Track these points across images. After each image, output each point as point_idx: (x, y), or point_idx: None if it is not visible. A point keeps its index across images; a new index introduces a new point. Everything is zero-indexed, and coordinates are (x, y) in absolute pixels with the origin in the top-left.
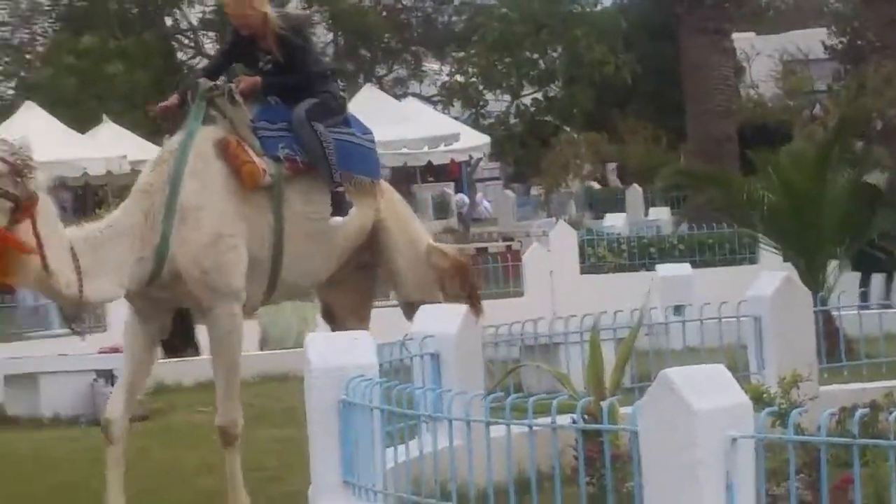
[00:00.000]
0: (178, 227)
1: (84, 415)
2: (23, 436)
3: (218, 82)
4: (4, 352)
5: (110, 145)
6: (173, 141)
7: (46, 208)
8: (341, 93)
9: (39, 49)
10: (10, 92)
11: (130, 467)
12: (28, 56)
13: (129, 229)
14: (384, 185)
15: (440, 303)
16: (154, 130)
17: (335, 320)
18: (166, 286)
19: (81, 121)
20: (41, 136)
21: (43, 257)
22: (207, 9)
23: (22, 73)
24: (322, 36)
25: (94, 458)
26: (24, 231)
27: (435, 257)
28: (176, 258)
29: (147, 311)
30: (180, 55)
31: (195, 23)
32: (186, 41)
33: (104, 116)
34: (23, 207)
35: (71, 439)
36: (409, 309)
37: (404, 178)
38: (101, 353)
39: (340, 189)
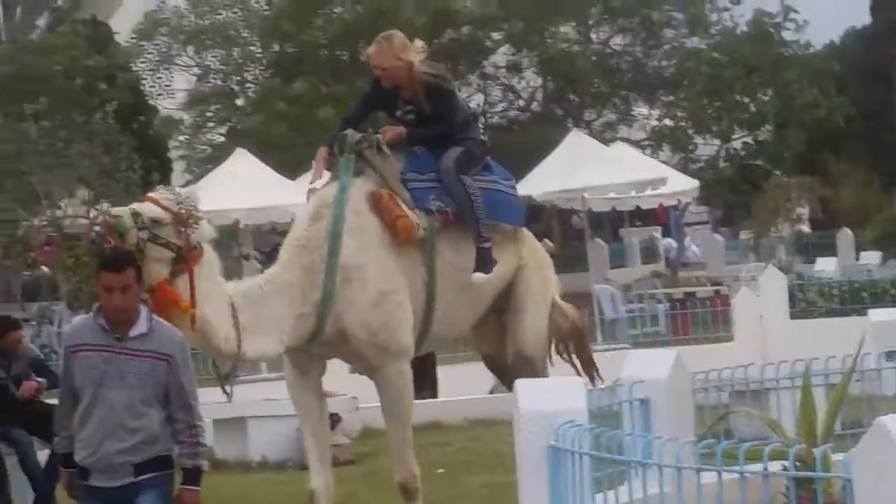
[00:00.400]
0: (343, 288)
1: (291, 459)
2: (231, 479)
3: (364, 134)
4: (213, 397)
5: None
6: (326, 194)
7: (210, 261)
8: (482, 137)
9: (251, 95)
10: (221, 138)
11: None
12: (239, 103)
13: (289, 285)
14: (525, 232)
15: (545, 369)
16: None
17: (498, 369)
18: (329, 344)
19: (292, 166)
20: (251, 181)
21: (194, 312)
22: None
23: (233, 120)
24: (531, 81)
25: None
26: (182, 283)
27: (556, 314)
28: (343, 319)
29: (306, 365)
30: None
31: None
32: None
33: (313, 163)
34: (184, 259)
35: (279, 483)
36: (522, 364)
37: (611, 223)
38: None
39: (486, 245)
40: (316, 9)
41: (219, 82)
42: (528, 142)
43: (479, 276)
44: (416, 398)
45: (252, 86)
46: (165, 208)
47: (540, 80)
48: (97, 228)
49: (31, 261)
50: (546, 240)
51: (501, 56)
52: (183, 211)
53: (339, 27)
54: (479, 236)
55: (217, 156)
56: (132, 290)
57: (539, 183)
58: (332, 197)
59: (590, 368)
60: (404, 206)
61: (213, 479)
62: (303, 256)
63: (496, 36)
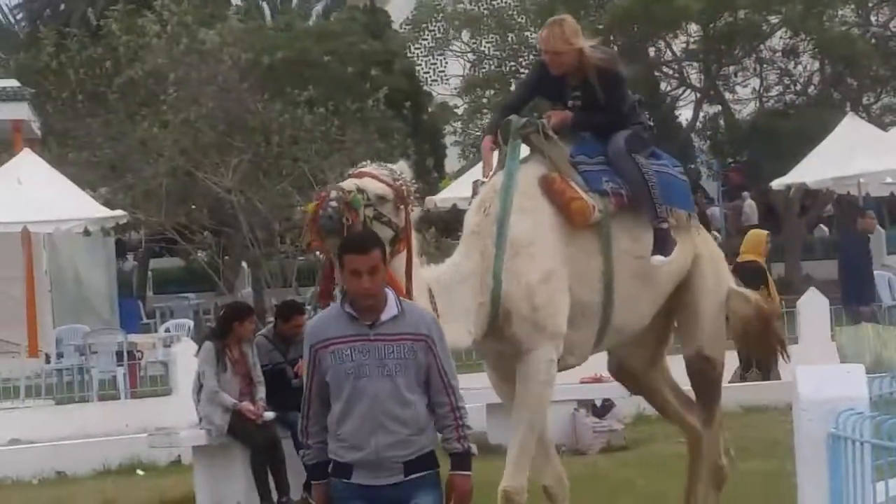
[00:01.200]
0: (510, 263)
1: (565, 444)
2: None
3: (529, 118)
4: (484, 381)
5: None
6: (494, 182)
7: (414, 244)
8: (650, 123)
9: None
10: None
11: (616, 497)
12: (512, 89)
13: (470, 273)
14: (696, 221)
15: (723, 369)
16: None
17: (629, 377)
18: (497, 333)
19: None
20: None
21: (409, 295)
22: (692, 38)
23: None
24: (808, 65)
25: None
26: (396, 265)
27: (736, 303)
28: (508, 295)
29: (502, 368)
30: (664, 86)
31: (679, 53)
32: (671, 72)
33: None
34: (401, 239)
35: None
36: (702, 364)
37: (891, 209)
38: (582, 382)
39: (665, 225)
40: None
41: (494, 68)
42: (804, 127)
43: (658, 258)
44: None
45: (526, 71)
46: (388, 184)
47: (817, 64)
48: (333, 204)
49: (304, 246)
50: (822, 226)
51: (778, 40)
52: (403, 188)
53: (614, 13)
54: (656, 217)
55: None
56: (380, 271)
57: (814, 168)
58: (500, 184)
59: (777, 353)
60: (578, 189)
61: (485, 465)
62: (478, 242)
63: (773, 19)
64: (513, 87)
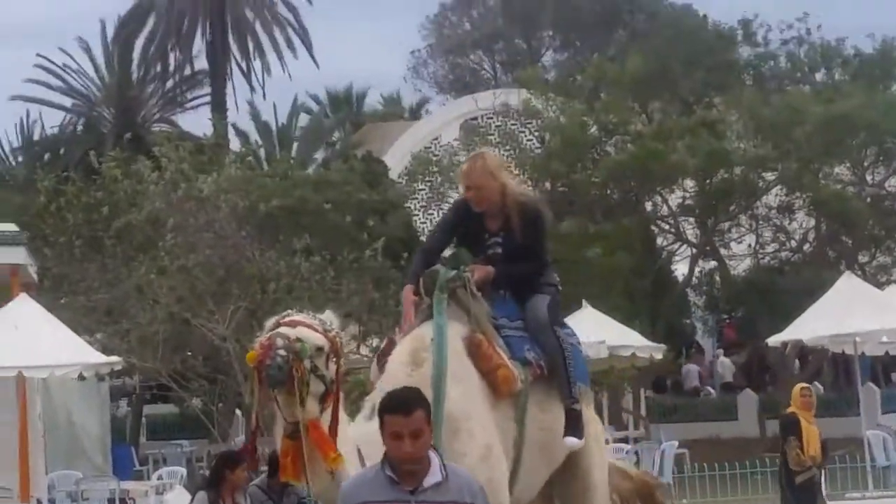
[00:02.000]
0: (451, 442)
1: None
2: None
3: (458, 272)
4: None
5: (589, 330)
6: (422, 335)
7: (340, 398)
8: (559, 285)
9: None
10: None
11: None
12: None
13: None
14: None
15: None
16: (632, 315)
17: None
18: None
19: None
20: None
21: (341, 461)
22: (688, 194)
23: None
24: (803, 222)
25: None
26: (324, 422)
27: (617, 478)
28: None
29: None
30: (660, 240)
31: (675, 208)
32: (666, 227)
33: (583, 301)
34: (329, 393)
35: None
36: None
37: (885, 369)
38: None
39: (578, 406)
40: (587, 149)
41: None
42: (800, 284)
43: (572, 441)
44: None
45: None
46: (323, 335)
47: (812, 222)
48: (281, 353)
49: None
50: (816, 383)
51: (774, 197)
52: (337, 339)
53: (611, 167)
54: (570, 396)
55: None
56: (424, 434)
57: (810, 326)
58: (430, 339)
59: None
60: (503, 355)
61: None
62: None
63: (769, 176)
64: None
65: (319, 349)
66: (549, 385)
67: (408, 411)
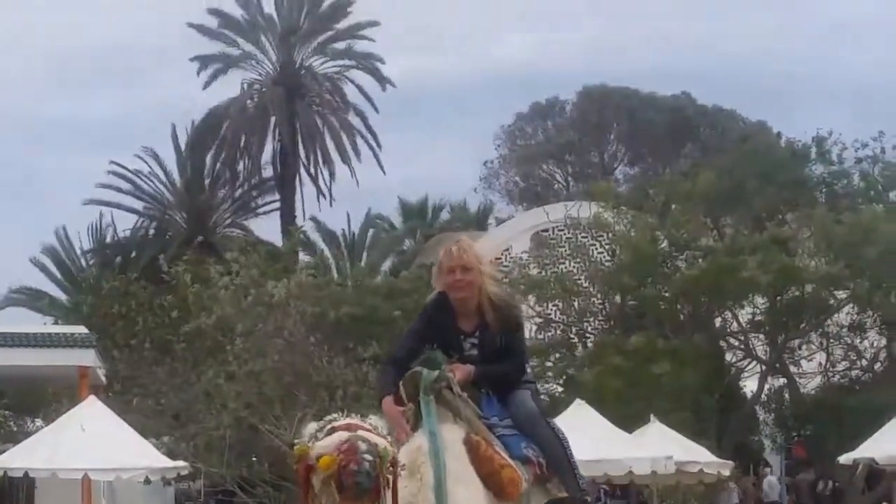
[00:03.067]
0: None
1: None
2: None
3: (440, 372)
4: None
5: (656, 445)
6: (417, 444)
7: None
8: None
9: (589, 346)
10: (560, 389)
11: None
12: (577, 354)
13: None
14: None
15: None
16: (699, 432)
17: None
18: None
19: (629, 419)
20: (589, 433)
21: None
22: (758, 310)
23: (570, 371)
24: (874, 341)
25: None
26: None
27: None
28: None
29: None
30: (729, 356)
31: (745, 324)
32: (736, 342)
33: (651, 416)
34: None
35: None
36: None
37: None
38: None
39: (589, 499)
40: (658, 264)
41: (559, 333)
42: (871, 403)
43: None
44: None
45: (591, 336)
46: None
47: (884, 340)
48: (368, 458)
49: None
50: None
51: (845, 315)
52: (392, 448)
53: (682, 283)
54: (578, 489)
55: (555, 406)
56: None
57: (882, 445)
58: (425, 446)
59: None
60: (504, 455)
61: None
62: None
63: (840, 294)
64: (576, 353)
65: (392, 461)
66: (544, 483)
67: None
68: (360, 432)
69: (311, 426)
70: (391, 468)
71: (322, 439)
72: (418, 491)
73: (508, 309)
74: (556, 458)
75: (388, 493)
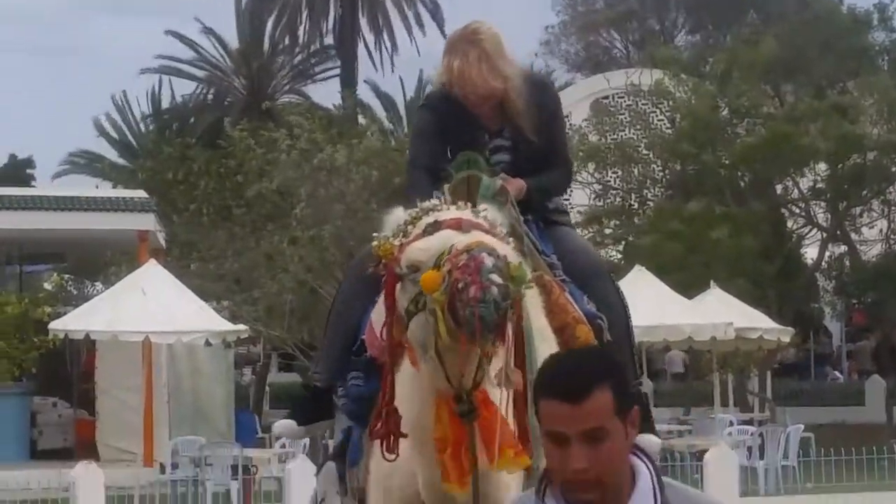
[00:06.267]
0: None
1: None
2: None
3: (499, 181)
4: None
5: (716, 312)
6: None
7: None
8: None
9: (649, 214)
10: (619, 256)
11: None
12: (636, 221)
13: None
14: None
15: None
16: (759, 298)
17: None
18: None
19: (688, 286)
20: (649, 299)
21: (519, 448)
22: (819, 177)
23: (630, 238)
24: None
25: None
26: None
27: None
28: None
29: None
30: (790, 224)
31: (806, 192)
32: (797, 210)
33: (711, 283)
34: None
35: None
36: None
37: None
38: None
39: (644, 391)
40: (718, 131)
41: (618, 200)
42: None
43: (652, 439)
44: None
45: (651, 204)
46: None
47: None
48: (497, 279)
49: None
50: None
51: None
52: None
53: (742, 150)
54: (634, 376)
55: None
56: (610, 437)
57: None
58: None
59: None
60: (577, 307)
61: None
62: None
63: None
64: (636, 220)
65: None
66: None
67: (577, 395)
68: (479, 235)
69: (401, 214)
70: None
71: (418, 237)
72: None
73: (546, 95)
74: (618, 329)
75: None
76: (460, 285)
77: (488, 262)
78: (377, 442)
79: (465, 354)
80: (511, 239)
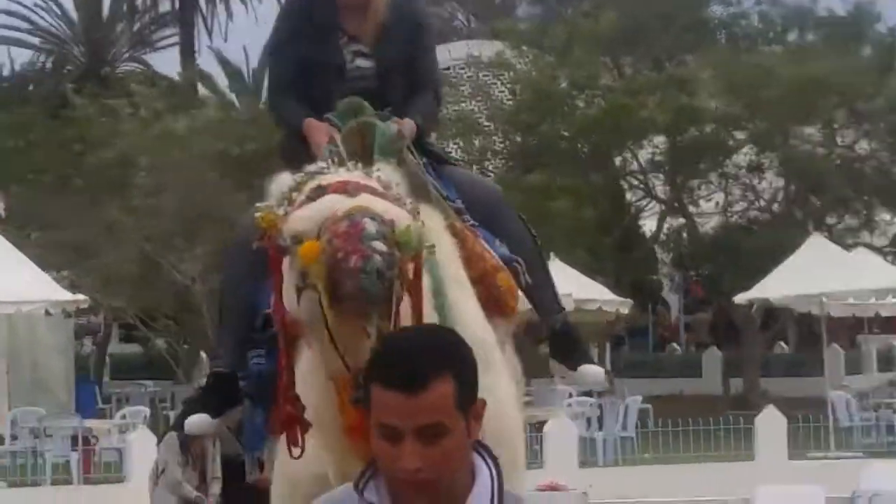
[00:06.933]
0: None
1: None
2: None
3: (396, 127)
4: None
5: (556, 282)
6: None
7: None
8: None
9: None
10: None
11: None
12: None
13: None
14: None
15: None
16: (598, 270)
17: None
18: None
19: None
20: None
21: None
22: (658, 150)
23: None
24: (772, 182)
25: None
26: None
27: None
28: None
29: None
30: (629, 196)
31: (644, 164)
32: (636, 182)
33: (551, 254)
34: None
35: None
36: None
37: (850, 330)
38: (538, 489)
39: (568, 319)
40: (558, 103)
41: None
42: (767, 243)
43: (593, 370)
44: None
45: (492, 176)
46: (403, 208)
47: (781, 182)
48: (380, 247)
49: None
50: (781, 343)
51: (743, 156)
52: (417, 212)
53: (581, 121)
54: (557, 306)
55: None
56: (449, 433)
57: (777, 285)
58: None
59: None
60: (494, 253)
61: None
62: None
63: (739, 135)
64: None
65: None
66: None
67: (412, 386)
68: (365, 198)
69: (285, 179)
70: (415, 258)
71: (302, 204)
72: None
73: (415, 9)
74: (532, 264)
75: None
76: (339, 255)
77: (370, 227)
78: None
79: (354, 332)
80: (409, 200)
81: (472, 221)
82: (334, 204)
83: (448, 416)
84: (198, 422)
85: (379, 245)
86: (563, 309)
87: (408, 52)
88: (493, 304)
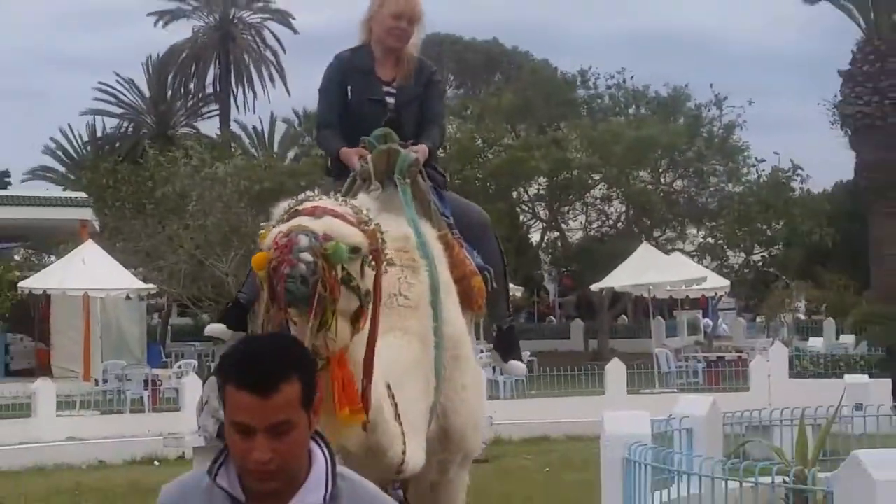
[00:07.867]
0: (452, 369)
1: None
2: None
3: (415, 155)
4: None
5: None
6: (400, 232)
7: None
8: None
9: None
10: None
11: (477, 499)
12: None
13: (414, 365)
14: None
15: None
16: None
17: None
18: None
19: None
20: None
21: (356, 407)
22: (541, 186)
23: None
24: (618, 208)
25: None
26: (355, 351)
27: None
28: (453, 413)
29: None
30: (522, 217)
31: (532, 196)
32: (526, 209)
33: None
34: (363, 311)
35: None
36: None
37: (668, 307)
38: None
39: (514, 325)
40: (474, 155)
41: None
42: (614, 250)
43: (519, 365)
44: None
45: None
46: (360, 229)
47: (624, 208)
48: (307, 258)
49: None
50: (623, 316)
51: (598, 191)
52: (378, 235)
53: (491, 167)
54: (507, 312)
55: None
56: (295, 428)
57: (619, 278)
58: (411, 237)
59: None
60: (472, 261)
61: None
62: (411, 320)
63: (596, 177)
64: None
65: (355, 250)
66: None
67: (266, 389)
68: (326, 220)
69: (283, 205)
70: (373, 259)
71: (279, 223)
72: (419, 292)
73: (431, 69)
74: (498, 275)
75: (347, 295)
76: (273, 263)
77: (303, 241)
78: None
79: (301, 324)
80: (375, 223)
81: (458, 235)
82: (290, 224)
83: (295, 413)
84: (217, 328)
85: (306, 256)
86: (512, 315)
87: (421, 95)
88: (467, 300)
